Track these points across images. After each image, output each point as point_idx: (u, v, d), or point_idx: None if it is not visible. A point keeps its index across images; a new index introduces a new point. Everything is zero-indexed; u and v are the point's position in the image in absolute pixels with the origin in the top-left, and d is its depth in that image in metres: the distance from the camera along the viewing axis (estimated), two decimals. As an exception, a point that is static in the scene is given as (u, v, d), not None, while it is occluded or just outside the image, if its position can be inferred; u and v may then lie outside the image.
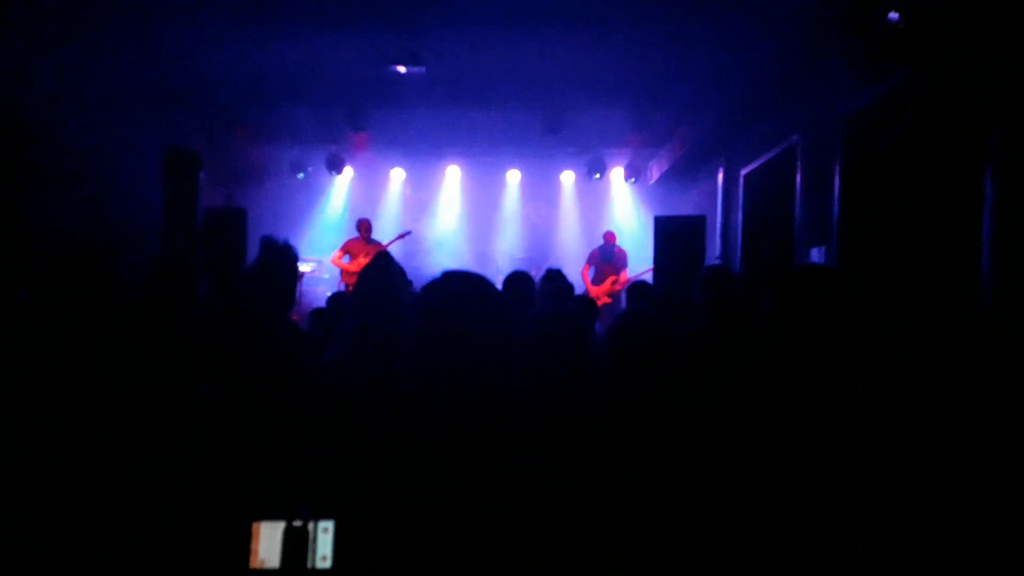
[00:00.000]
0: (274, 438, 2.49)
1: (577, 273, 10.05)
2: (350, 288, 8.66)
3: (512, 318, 2.95)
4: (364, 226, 9.09)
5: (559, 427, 2.46)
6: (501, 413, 2.21)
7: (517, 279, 4.46)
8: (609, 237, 9.51)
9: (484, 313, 2.31)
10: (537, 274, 10.00)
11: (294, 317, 9.88)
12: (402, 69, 6.47)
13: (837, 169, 5.90)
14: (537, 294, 4.82)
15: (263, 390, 2.86)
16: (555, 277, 5.08)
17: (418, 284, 8.45)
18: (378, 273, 3.09)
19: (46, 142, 6.31)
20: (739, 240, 8.35)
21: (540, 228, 12.00)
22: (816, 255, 6.17)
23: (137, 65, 7.03)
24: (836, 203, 5.88)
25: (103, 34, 6.20)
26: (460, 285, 2.42)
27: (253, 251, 7.95)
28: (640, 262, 10.01)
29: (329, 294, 5.86)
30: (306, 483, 2.05)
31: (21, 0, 5.45)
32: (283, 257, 4.17)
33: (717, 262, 8.70)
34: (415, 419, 2.19)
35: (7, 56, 5.87)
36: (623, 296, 9.10)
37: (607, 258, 9.43)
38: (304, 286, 9.77)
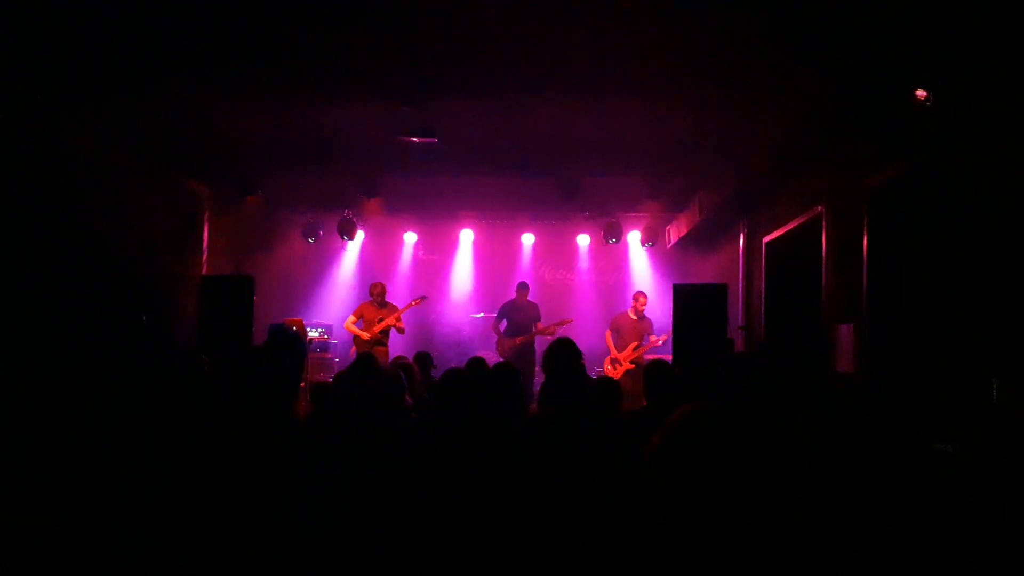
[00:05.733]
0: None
1: (591, 334, 9.80)
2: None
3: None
4: (377, 290, 8.89)
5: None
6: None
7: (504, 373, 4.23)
8: (642, 299, 9.12)
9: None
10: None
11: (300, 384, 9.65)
12: (414, 140, 6.35)
13: (865, 243, 5.66)
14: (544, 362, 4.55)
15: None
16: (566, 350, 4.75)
17: (433, 348, 8.09)
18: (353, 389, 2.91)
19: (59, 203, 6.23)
20: (762, 310, 8.08)
21: (555, 290, 11.78)
22: (845, 332, 5.90)
23: (149, 129, 6.97)
24: (865, 278, 5.63)
25: (115, 94, 6.14)
26: None
27: (260, 319, 7.72)
28: (657, 326, 9.72)
29: (337, 371, 5.67)
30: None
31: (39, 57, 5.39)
32: (290, 346, 4.00)
33: (740, 332, 8.43)
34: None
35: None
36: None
37: (639, 319, 9.04)
38: (311, 350, 9.58)
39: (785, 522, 2.70)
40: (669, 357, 7.77)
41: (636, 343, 8.85)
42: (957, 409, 4.47)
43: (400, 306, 8.92)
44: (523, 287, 9.67)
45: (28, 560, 2.48)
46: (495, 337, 9.63)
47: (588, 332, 10.00)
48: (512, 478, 2.86)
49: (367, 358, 3.14)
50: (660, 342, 8.72)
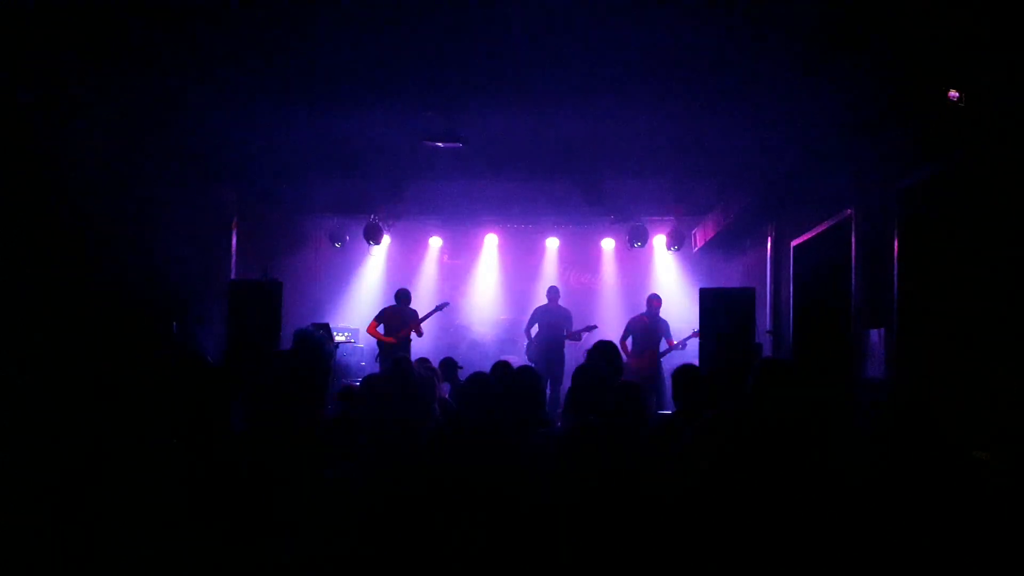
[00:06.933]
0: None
1: (616, 339, 9.71)
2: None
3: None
4: (401, 296, 8.96)
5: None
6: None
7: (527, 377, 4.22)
8: (656, 303, 9.04)
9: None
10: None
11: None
12: (440, 144, 6.37)
13: (895, 246, 5.57)
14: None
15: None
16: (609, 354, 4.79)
17: (455, 352, 8.17)
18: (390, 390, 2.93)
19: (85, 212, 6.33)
20: (791, 315, 7.98)
21: (580, 295, 11.73)
22: (875, 337, 5.80)
23: (177, 138, 7.07)
24: (895, 282, 5.54)
25: (144, 107, 6.23)
26: None
27: (288, 323, 7.78)
28: (681, 333, 9.63)
29: (366, 374, 5.70)
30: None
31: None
32: (316, 350, 4.03)
33: (768, 337, 8.34)
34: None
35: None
36: (662, 367, 8.73)
37: (653, 322, 8.96)
38: (338, 355, 9.62)
39: (814, 527, 2.66)
40: (691, 360, 7.70)
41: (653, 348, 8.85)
42: (993, 416, 4.38)
43: (421, 312, 8.96)
44: (554, 292, 9.67)
45: (64, 561, 2.51)
46: (524, 340, 9.63)
47: (613, 337, 9.91)
48: (535, 488, 2.85)
49: (405, 363, 3.16)
50: (682, 346, 8.65)
